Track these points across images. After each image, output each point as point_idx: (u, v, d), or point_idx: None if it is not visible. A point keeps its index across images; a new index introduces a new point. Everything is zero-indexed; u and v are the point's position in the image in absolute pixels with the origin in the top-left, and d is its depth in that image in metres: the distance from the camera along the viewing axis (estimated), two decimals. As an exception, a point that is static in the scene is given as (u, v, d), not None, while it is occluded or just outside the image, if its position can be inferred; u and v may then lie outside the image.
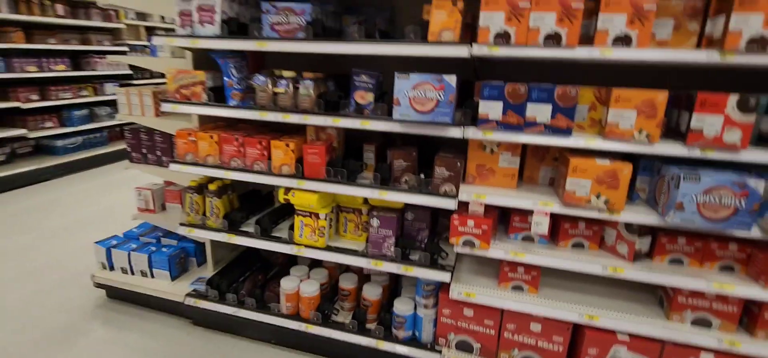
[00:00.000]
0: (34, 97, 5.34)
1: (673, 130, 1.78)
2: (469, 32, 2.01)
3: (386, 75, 2.12)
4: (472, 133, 1.83)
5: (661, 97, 1.60)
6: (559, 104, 1.71)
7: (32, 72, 5.26)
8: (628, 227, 1.88)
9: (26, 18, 5.15)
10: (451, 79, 1.77)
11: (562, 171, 1.88)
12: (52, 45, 5.50)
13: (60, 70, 5.64)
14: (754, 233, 1.63)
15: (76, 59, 6.03)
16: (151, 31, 6.99)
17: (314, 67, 2.54)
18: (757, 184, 1.52)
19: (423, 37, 1.86)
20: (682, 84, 2.07)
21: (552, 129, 1.74)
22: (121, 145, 6.34)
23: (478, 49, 1.75)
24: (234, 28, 2.15)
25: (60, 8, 5.59)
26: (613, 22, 1.63)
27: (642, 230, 1.86)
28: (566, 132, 1.72)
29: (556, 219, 2.03)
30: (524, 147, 2.09)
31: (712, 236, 1.82)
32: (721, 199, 1.57)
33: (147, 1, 2.58)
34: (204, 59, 2.52)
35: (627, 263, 1.88)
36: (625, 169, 1.70)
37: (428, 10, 1.95)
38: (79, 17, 5.91)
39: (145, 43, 6.87)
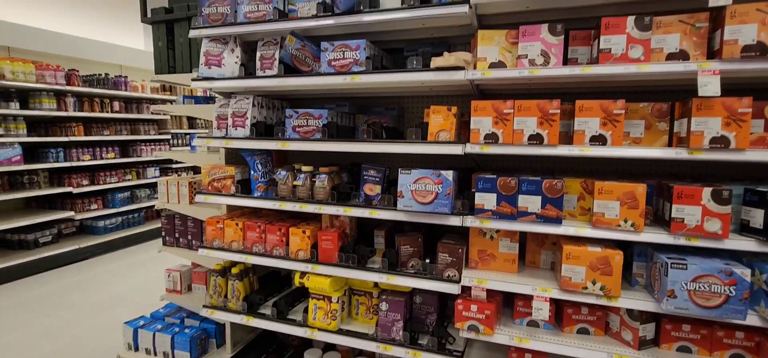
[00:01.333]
0: (85, 182, 5.92)
1: (659, 218, 1.88)
2: (466, 130, 2.25)
3: (395, 167, 2.36)
4: (470, 221, 1.99)
5: (640, 189, 1.74)
6: (547, 195, 1.88)
7: (86, 160, 5.90)
8: (630, 312, 1.92)
9: (87, 114, 5.90)
10: (449, 175, 1.98)
11: (558, 257, 1.99)
12: (107, 136, 6.20)
13: (110, 157, 6.29)
14: (754, 320, 1.65)
15: (125, 147, 6.72)
16: (192, 121, 7.77)
17: (330, 160, 2.82)
18: (743, 272, 1.58)
19: (423, 137, 2.12)
20: (663, 171, 2.20)
21: (543, 218, 1.88)
22: (155, 225, 6.78)
23: (471, 148, 1.98)
24: (261, 130, 2.49)
25: (116, 104, 6.38)
26: (588, 124, 1.83)
27: (645, 316, 1.89)
28: (557, 221, 1.86)
29: (559, 304, 2.09)
30: (524, 232, 2.22)
31: (716, 322, 1.83)
32: (710, 287, 1.63)
33: (191, 109, 3.03)
34: (234, 155, 2.86)
35: (632, 350, 1.90)
36: (616, 257, 1.80)
37: (428, 114, 2.23)
38: (131, 111, 6.69)
39: (187, 131, 7.60)
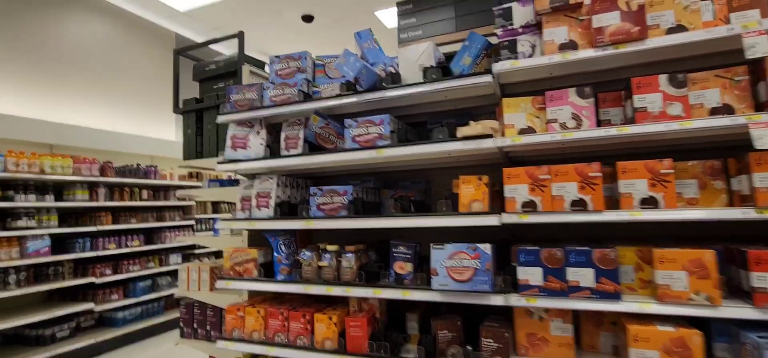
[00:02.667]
0: (108, 271, 5.92)
1: (735, 289, 1.65)
2: (498, 199, 2.13)
3: (424, 242, 2.22)
4: (515, 300, 1.79)
5: (708, 256, 1.55)
6: (600, 267, 1.69)
7: (111, 249, 5.95)
8: (717, 405, 1.61)
9: (117, 203, 6.07)
10: (486, 248, 1.83)
11: (622, 339, 1.74)
12: (133, 224, 6.31)
13: (135, 245, 6.34)
14: None
15: (151, 234, 6.80)
16: (216, 206, 7.91)
17: (356, 239, 2.71)
18: None
19: (454, 209, 2.00)
20: (723, 234, 1.98)
21: (599, 293, 1.67)
22: (175, 314, 6.60)
23: (508, 218, 1.84)
24: (285, 209, 2.43)
25: (145, 193, 6.58)
26: (634, 186, 1.69)
27: (736, 410, 1.58)
28: (615, 296, 1.65)
29: (626, 395, 1.78)
30: (576, 312, 1.99)
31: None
32: (819, 371, 1.35)
33: (217, 192, 3.04)
34: (258, 237, 2.79)
35: None
36: (695, 337, 1.55)
37: (457, 185, 2.13)
38: (159, 199, 6.87)
39: (211, 215, 7.70)
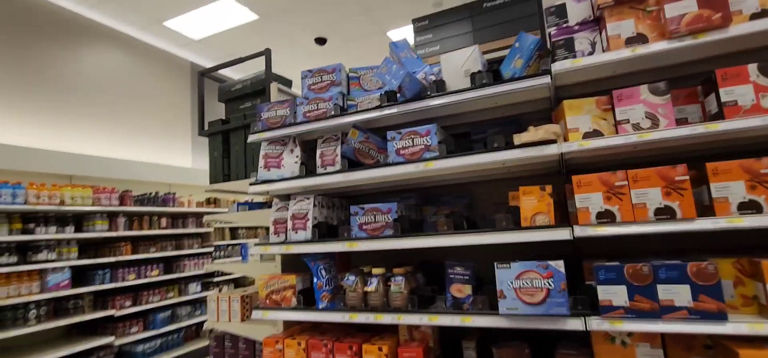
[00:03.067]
0: (128, 303, 5.77)
1: None
2: (559, 211, 1.94)
3: (476, 262, 2.03)
4: (596, 324, 1.58)
5: (834, 266, 1.33)
6: (697, 282, 1.48)
7: (131, 280, 5.82)
8: None
9: (136, 233, 5.97)
10: (559, 266, 1.63)
11: (722, 364, 1.51)
12: (152, 254, 6.19)
13: (154, 275, 6.21)
14: None
15: (169, 263, 6.67)
16: (234, 232, 7.79)
17: (398, 259, 2.53)
18: None
19: (515, 224, 1.82)
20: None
21: (699, 314, 1.46)
22: (195, 346, 6.41)
23: (582, 231, 1.65)
24: (324, 231, 2.27)
25: (164, 221, 6.49)
26: (730, 189, 1.50)
27: None
28: (720, 317, 1.43)
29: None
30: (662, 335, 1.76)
31: None
32: None
33: (247, 216, 2.89)
34: (292, 262, 2.62)
35: None
36: (820, 361, 1.32)
37: (515, 197, 1.95)
38: (177, 226, 6.77)
39: (229, 242, 7.57)
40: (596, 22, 1.90)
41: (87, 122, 6.28)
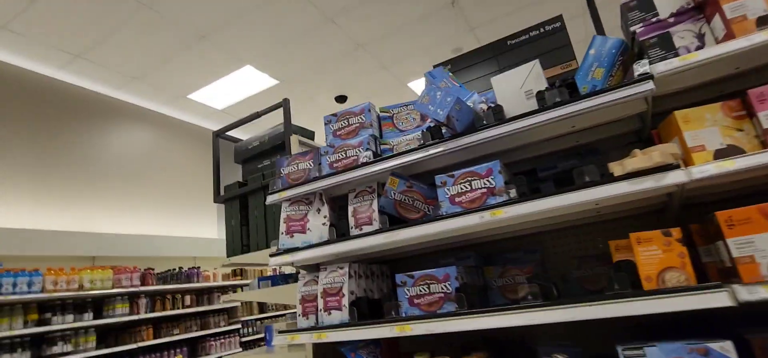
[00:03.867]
0: (150, 393, 5.28)
1: None
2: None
3: (579, 346, 1.47)
4: None
5: None
6: None
7: (153, 367, 5.37)
8: None
9: (159, 314, 5.59)
10: (727, 349, 1.08)
11: None
12: (176, 336, 5.76)
13: (178, 359, 5.74)
14: None
15: (194, 345, 6.20)
16: (262, 305, 7.32)
17: (460, 340, 1.98)
18: None
19: (633, 286, 1.29)
20: None
21: None
22: None
23: (751, 293, 1.10)
24: (364, 309, 1.78)
25: (188, 299, 6.11)
26: None
27: None
28: None
29: None
30: None
31: None
32: None
33: (269, 293, 2.45)
34: (327, 351, 2.11)
35: None
36: None
37: (621, 248, 1.43)
38: (202, 304, 6.37)
39: (259, 316, 7.08)
40: (698, 9, 1.47)
41: (110, 200, 6.17)
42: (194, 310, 6.12)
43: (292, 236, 1.96)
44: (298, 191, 1.99)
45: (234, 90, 6.62)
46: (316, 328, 1.80)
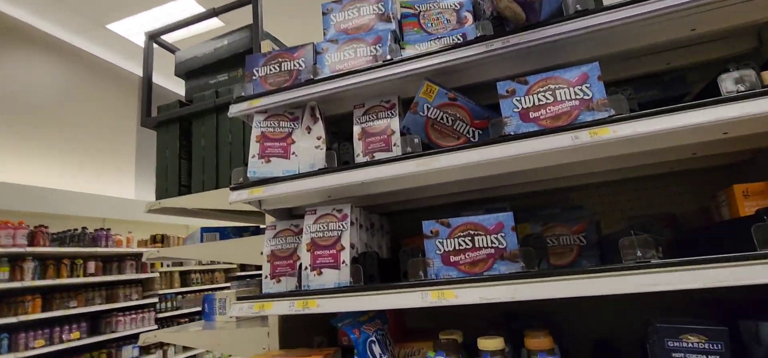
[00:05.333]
0: (32, 380, 4.21)
1: None
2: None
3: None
4: None
5: None
6: None
7: (39, 348, 4.28)
8: None
9: (50, 282, 4.48)
10: None
11: None
12: (73, 309, 4.68)
13: (74, 339, 4.67)
14: None
15: (97, 321, 5.14)
16: (185, 277, 6.34)
17: (495, 316, 1.52)
18: None
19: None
20: None
21: None
22: (127, 431, 4.83)
23: None
24: (372, 268, 1.24)
25: (92, 265, 5.01)
26: None
27: None
28: None
29: None
30: None
31: None
32: None
33: (217, 248, 1.78)
34: (307, 328, 1.54)
35: None
36: None
37: (747, 193, 1.06)
38: (111, 272, 5.29)
39: (179, 289, 6.11)
40: None
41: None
42: (99, 279, 5.04)
43: (268, 161, 1.34)
44: (281, 98, 1.37)
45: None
46: (300, 293, 1.22)
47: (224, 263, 6.75)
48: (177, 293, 6.06)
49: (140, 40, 5.75)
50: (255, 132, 1.38)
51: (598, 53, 1.26)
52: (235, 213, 1.97)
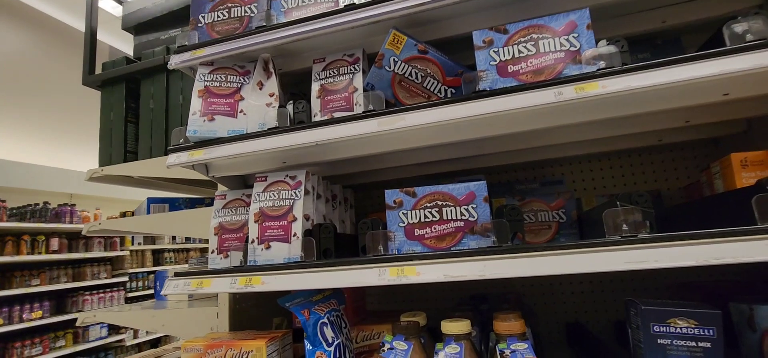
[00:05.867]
0: (-11, 360, 4.00)
1: None
2: None
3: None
4: None
5: None
6: None
7: (-5, 327, 4.06)
8: None
9: (8, 259, 4.23)
10: None
11: None
12: (34, 287, 4.45)
13: (35, 318, 4.45)
14: None
15: (62, 300, 4.91)
16: (157, 256, 6.11)
17: (457, 298, 1.40)
18: None
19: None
20: None
21: None
22: (94, 412, 4.67)
23: None
24: (327, 242, 1.10)
25: (55, 242, 4.76)
26: None
27: None
28: None
29: None
30: None
31: None
32: None
33: (157, 221, 1.60)
34: (257, 309, 1.40)
35: None
36: None
37: (745, 162, 0.95)
38: (77, 250, 5.05)
39: (153, 268, 5.90)
40: None
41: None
42: (64, 257, 4.80)
43: (212, 120, 1.17)
44: (229, 47, 1.19)
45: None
46: (244, 269, 1.07)
47: (200, 240, 6.54)
48: (149, 272, 5.85)
49: (104, 3, 5.39)
50: (198, 86, 1.20)
51: (589, 3, 1.11)
52: (189, 183, 1.80)
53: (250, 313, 1.47)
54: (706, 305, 0.79)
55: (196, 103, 1.18)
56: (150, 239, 6.06)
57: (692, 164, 1.42)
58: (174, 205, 1.68)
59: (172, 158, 1.17)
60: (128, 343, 5.37)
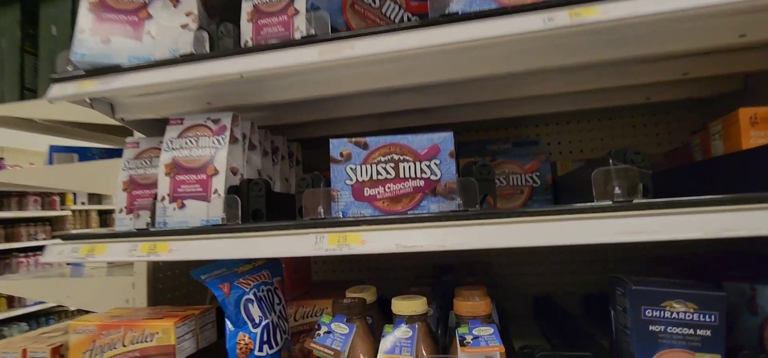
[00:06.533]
0: None
1: None
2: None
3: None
4: None
5: None
6: None
7: None
8: None
9: None
10: None
11: None
12: (-45, 249, 3.99)
13: (-41, 281, 4.01)
14: None
15: (-8, 263, 4.46)
16: (105, 217, 5.66)
17: (415, 266, 1.25)
18: None
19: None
20: None
21: None
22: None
23: None
24: (257, 202, 0.89)
25: (-19, 200, 4.26)
26: None
27: None
28: None
29: None
30: None
31: None
32: None
33: (68, 174, 1.32)
34: (178, 280, 1.18)
35: None
36: None
37: (729, 121, 0.81)
38: (8, 208, 4.56)
39: (99, 231, 5.47)
40: None
41: None
42: (-9, 216, 4.33)
43: (107, 41, 0.90)
44: (127, -56, 0.91)
45: None
46: (147, 233, 0.85)
47: (153, 202, 6.10)
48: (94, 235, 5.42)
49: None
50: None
51: None
52: (113, 131, 1.51)
53: (179, 282, 1.25)
54: (707, 285, 0.66)
55: (85, 19, 0.91)
56: (96, 198, 5.59)
57: (678, 127, 1.29)
58: (86, 155, 1.40)
59: (56, 90, 0.90)
60: (72, 307, 5.01)
